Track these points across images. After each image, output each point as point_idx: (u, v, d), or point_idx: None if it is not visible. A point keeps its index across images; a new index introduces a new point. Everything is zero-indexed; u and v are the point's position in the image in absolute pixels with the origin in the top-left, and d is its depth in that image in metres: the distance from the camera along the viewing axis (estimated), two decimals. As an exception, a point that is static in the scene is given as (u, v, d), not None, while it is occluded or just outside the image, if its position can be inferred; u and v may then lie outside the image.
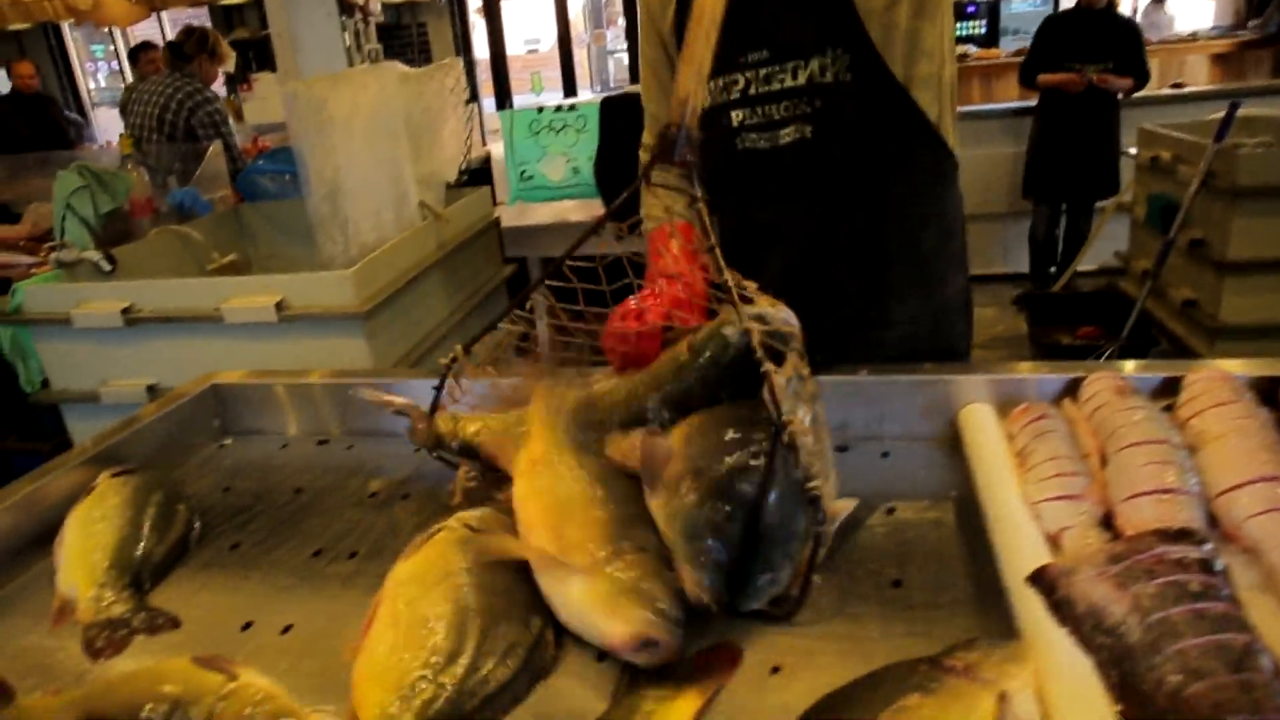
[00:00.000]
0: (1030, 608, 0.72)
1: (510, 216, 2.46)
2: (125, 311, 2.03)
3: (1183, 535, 0.74)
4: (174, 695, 0.65)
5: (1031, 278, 4.27)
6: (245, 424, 1.29)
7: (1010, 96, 5.34)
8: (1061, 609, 0.71)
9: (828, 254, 1.30)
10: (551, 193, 2.33)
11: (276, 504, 1.06)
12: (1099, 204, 3.95)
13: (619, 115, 2.15)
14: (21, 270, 2.50)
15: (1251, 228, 2.48)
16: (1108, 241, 3.85)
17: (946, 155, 1.29)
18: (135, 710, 0.64)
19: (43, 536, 0.99)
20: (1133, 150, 3.43)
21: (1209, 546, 0.72)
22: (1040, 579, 0.74)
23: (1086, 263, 4.02)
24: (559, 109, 2.24)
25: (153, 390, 2.11)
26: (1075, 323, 3.40)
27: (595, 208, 2.29)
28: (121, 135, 2.90)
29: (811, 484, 0.76)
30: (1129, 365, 1.05)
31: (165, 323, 2.04)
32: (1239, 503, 0.79)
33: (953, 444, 1.06)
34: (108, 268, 2.22)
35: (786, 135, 1.23)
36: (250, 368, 1.37)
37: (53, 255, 2.19)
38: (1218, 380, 0.95)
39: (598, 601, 0.71)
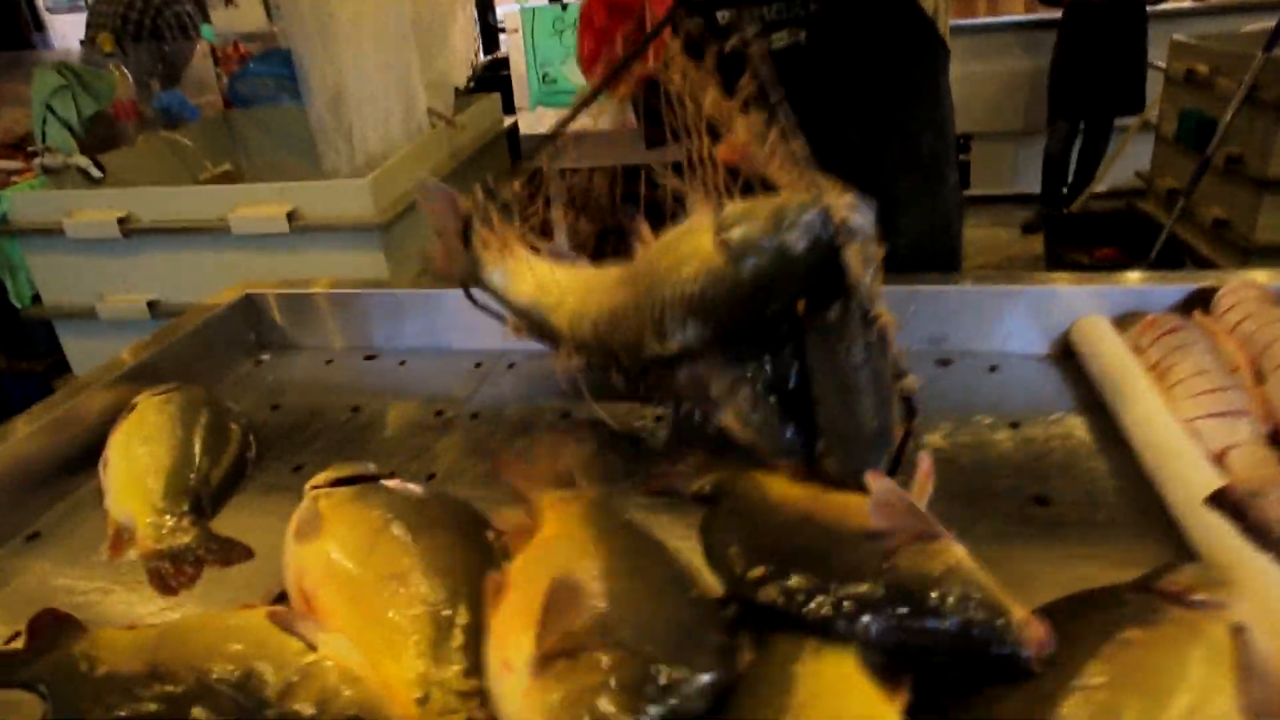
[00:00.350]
0: (1215, 532, 0.66)
1: (530, 123, 2.32)
2: (122, 221, 1.90)
3: (1380, 454, 0.67)
4: (246, 659, 0.56)
5: (1043, 199, 4.18)
6: (283, 338, 1.19)
7: (1016, 10, 5.16)
8: (1257, 534, 0.65)
9: (827, 169, 1.21)
10: (572, 98, 2.19)
11: (335, 423, 0.98)
12: (1119, 122, 3.85)
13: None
14: (2, 179, 2.33)
15: (1299, 143, 2.40)
16: (1124, 161, 3.76)
17: (941, 48, 1.22)
18: (204, 667, 0.56)
19: (78, 461, 0.90)
20: (1161, 64, 3.32)
21: None
22: (1223, 501, 0.68)
23: (1100, 184, 3.94)
24: (585, 3, 2.09)
25: (154, 306, 2.00)
26: (1092, 244, 3.33)
27: (626, 114, 2.16)
28: (102, 33, 2.70)
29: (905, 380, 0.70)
30: (1260, 275, 0.97)
31: (166, 234, 1.92)
32: None
33: (1064, 359, 0.99)
34: (97, 174, 2.07)
35: (779, 40, 1.13)
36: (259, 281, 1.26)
37: (36, 161, 2.03)
38: (1367, 289, 0.89)
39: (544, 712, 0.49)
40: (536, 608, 0.55)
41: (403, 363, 1.12)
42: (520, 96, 2.28)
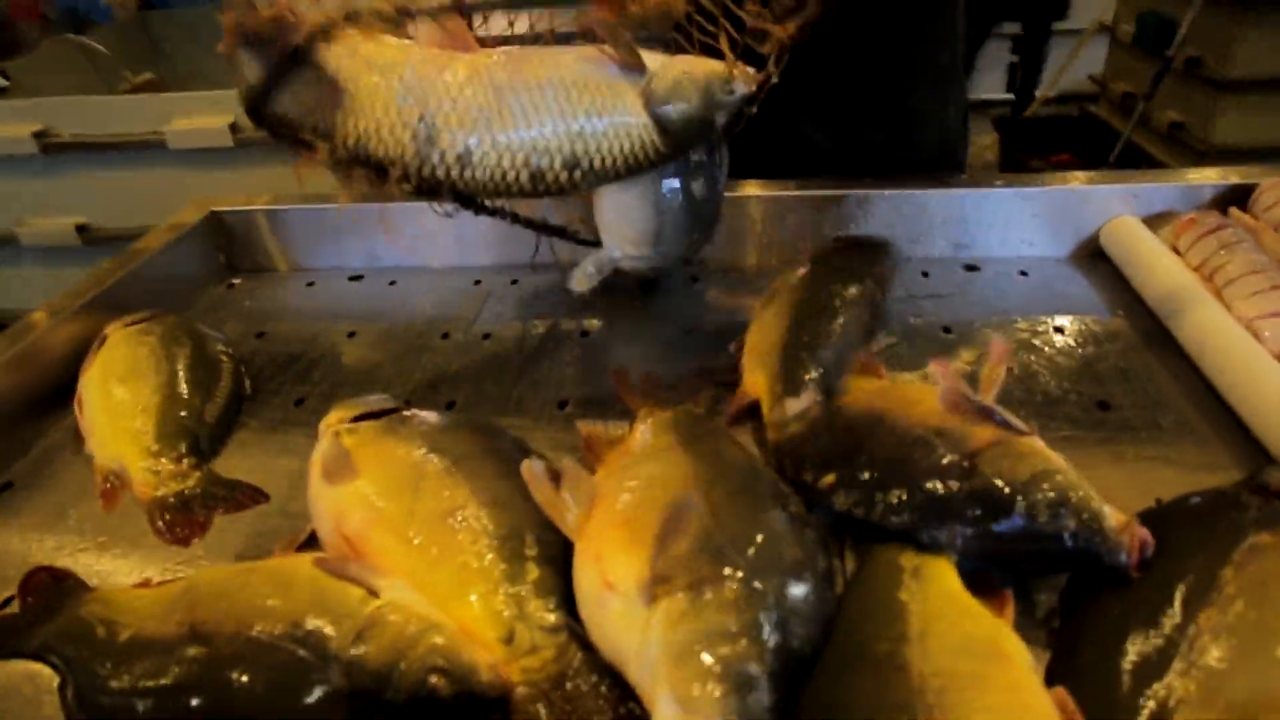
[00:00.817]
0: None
1: None
2: (39, 136, 1.73)
3: None
4: (303, 611, 0.50)
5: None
6: (255, 260, 1.10)
7: None
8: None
9: (845, 81, 1.15)
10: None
11: (331, 350, 0.90)
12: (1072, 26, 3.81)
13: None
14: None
15: (1260, 40, 2.41)
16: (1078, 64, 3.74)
17: None
18: (253, 623, 0.50)
19: (46, 402, 0.82)
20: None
21: None
22: (1301, 401, 0.66)
23: (1045, 88, 3.92)
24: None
25: (83, 230, 1.85)
26: (1047, 150, 3.33)
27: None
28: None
29: None
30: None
31: (91, 150, 1.76)
32: None
33: (1093, 260, 0.97)
34: (2, 83, 1.87)
35: None
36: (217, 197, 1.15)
37: (-68, 70, 1.83)
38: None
39: (659, 654, 0.44)
40: (637, 522, 0.51)
41: (392, 282, 1.04)
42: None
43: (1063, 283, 0.94)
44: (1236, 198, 0.95)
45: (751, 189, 1.02)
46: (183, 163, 1.73)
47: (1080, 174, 1.02)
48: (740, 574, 0.47)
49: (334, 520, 0.59)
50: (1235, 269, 0.81)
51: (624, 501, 0.54)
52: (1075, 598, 0.54)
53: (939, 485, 0.54)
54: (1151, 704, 0.45)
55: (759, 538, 0.51)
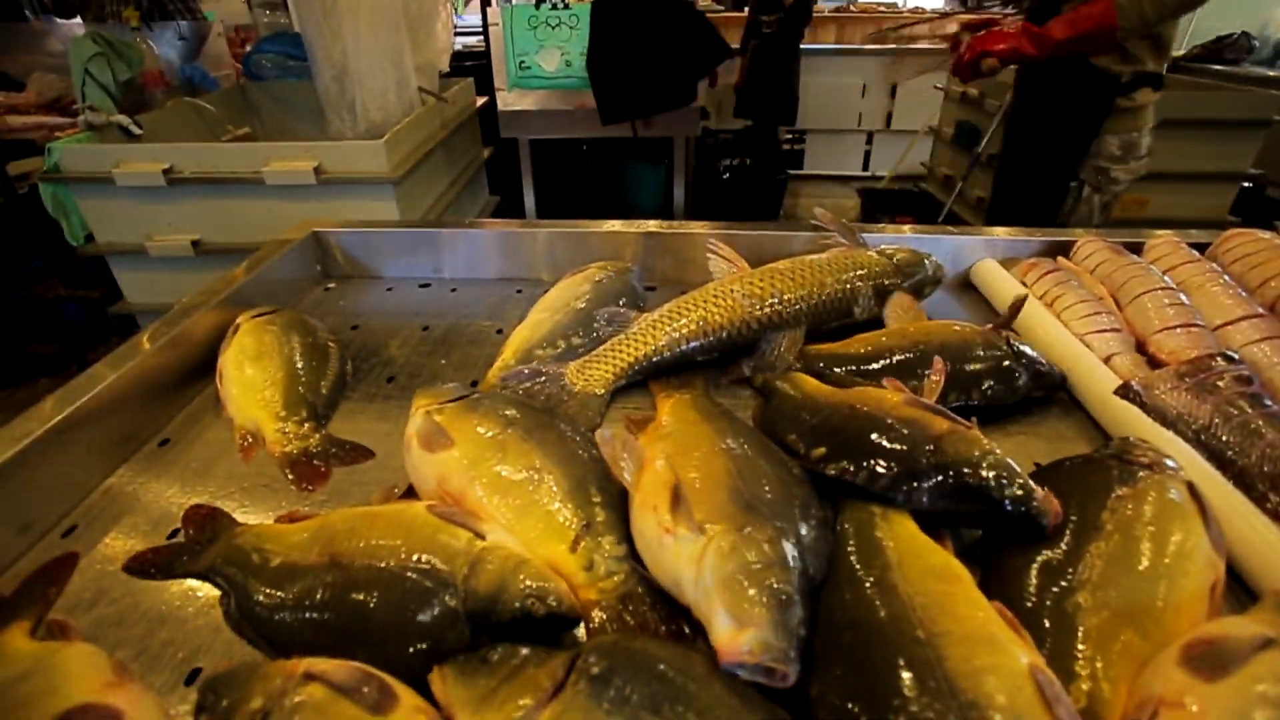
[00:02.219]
0: (1125, 415, 0.64)
1: (507, 101, 2.09)
2: (166, 172, 1.59)
3: (1228, 357, 0.67)
4: (424, 547, 0.45)
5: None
6: (344, 270, 1.02)
7: (856, 40, 4.79)
8: (1156, 414, 0.64)
9: None
10: (546, 82, 1.97)
11: (412, 340, 0.84)
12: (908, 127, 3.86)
13: (608, 15, 1.80)
14: (45, 133, 1.92)
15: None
16: (912, 154, 3.79)
17: None
18: (383, 556, 0.45)
19: (191, 375, 0.74)
20: (942, 85, 3.34)
21: (1244, 364, 0.66)
22: (1128, 393, 0.66)
23: (890, 170, 3.97)
24: (554, 6, 1.85)
25: (197, 245, 1.71)
26: (894, 212, 3.38)
27: (585, 96, 1.97)
28: (127, 8, 2.22)
29: None
30: (1093, 234, 0.96)
31: (205, 183, 1.62)
32: (1235, 335, 0.73)
33: (963, 289, 0.96)
34: (137, 131, 1.73)
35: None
36: (288, 225, 1.06)
37: (81, 118, 1.67)
38: (1173, 244, 0.89)
39: (711, 583, 0.41)
40: (683, 481, 0.47)
41: (454, 290, 0.97)
42: (499, 79, 2.04)
43: (945, 305, 0.92)
44: (1062, 250, 0.95)
45: (696, 228, 0.98)
46: (273, 195, 1.61)
47: (954, 228, 1.01)
48: (767, 521, 0.44)
49: (437, 480, 0.53)
50: (1068, 299, 0.81)
51: (666, 464, 0.50)
52: (993, 536, 0.52)
53: (912, 460, 0.51)
54: (1059, 611, 0.44)
55: (777, 493, 0.48)
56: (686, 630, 0.44)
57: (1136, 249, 0.89)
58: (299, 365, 0.71)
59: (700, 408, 0.60)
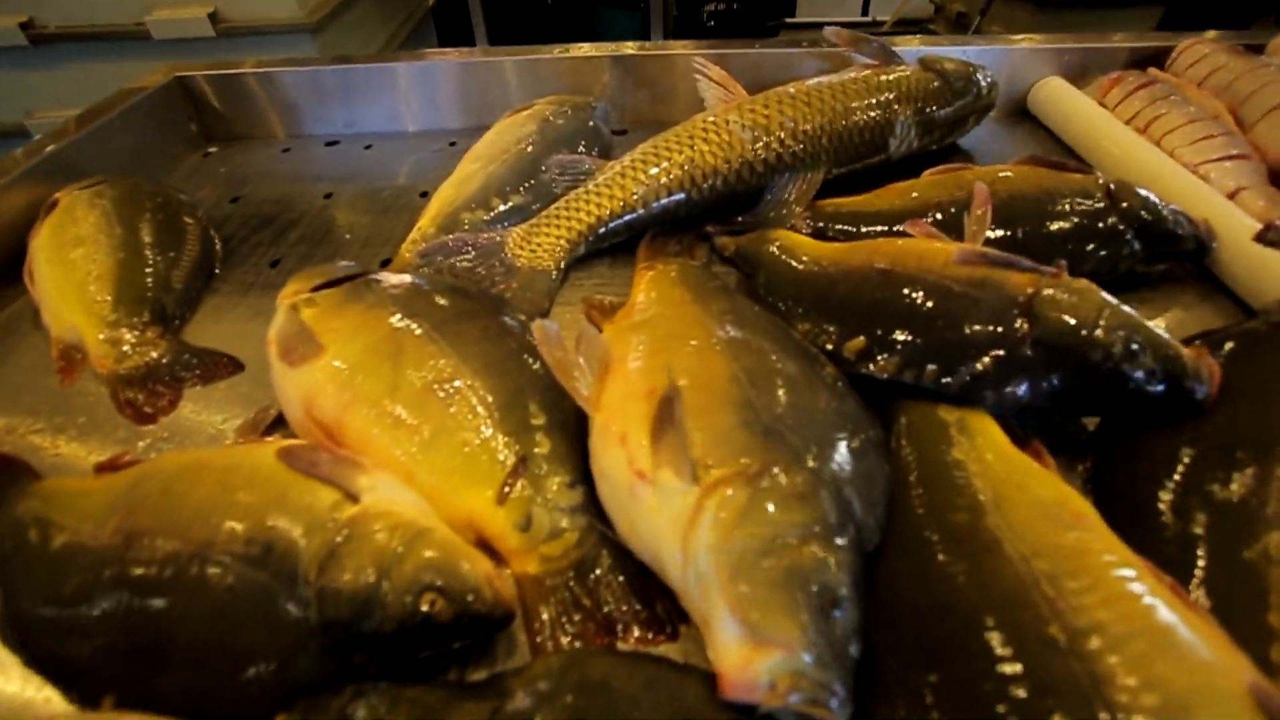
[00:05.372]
0: (1274, 269, 0.47)
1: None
2: (26, 27, 1.29)
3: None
4: (263, 518, 0.28)
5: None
6: (229, 129, 0.79)
7: None
8: (1315, 264, 0.46)
9: None
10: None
11: (308, 211, 0.64)
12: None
13: None
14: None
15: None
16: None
17: None
18: (200, 533, 0.28)
19: None
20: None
21: None
22: (1273, 236, 0.48)
23: (887, 15, 3.53)
24: None
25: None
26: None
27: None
28: None
29: None
30: (1210, 34, 0.74)
31: (79, 40, 1.33)
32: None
33: (1019, 116, 0.75)
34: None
35: None
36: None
37: (-95, -42, 1.33)
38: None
39: (708, 565, 0.26)
40: (664, 394, 0.30)
41: (368, 147, 0.75)
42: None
43: (997, 143, 0.72)
44: (1153, 61, 0.73)
45: (679, 48, 0.75)
46: (166, 53, 1.32)
47: (1012, 36, 0.78)
48: (797, 458, 0.28)
49: (303, 405, 0.36)
50: (1173, 120, 0.61)
51: (644, 367, 0.33)
52: (1110, 443, 0.37)
53: (1001, 339, 0.34)
54: (1241, 564, 0.29)
55: (809, 409, 0.31)
56: (668, 629, 0.29)
57: (1258, 51, 0.67)
58: (141, 249, 0.52)
59: (693, 283, 0.42)
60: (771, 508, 0.26)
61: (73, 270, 0.50)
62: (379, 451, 0.33)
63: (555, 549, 0.31)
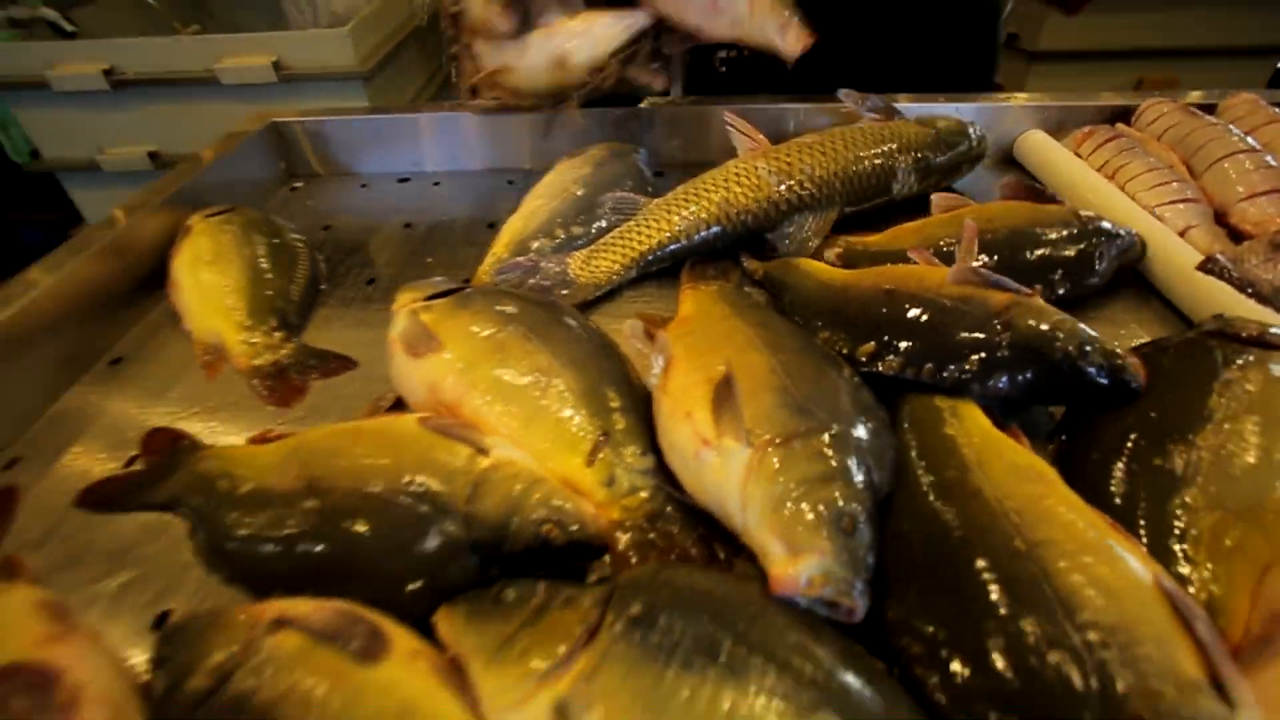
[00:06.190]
0: (1210, 293, 0.56)
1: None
2: (108, 73, 1.43)
3: (1327, 223, 0.58)
4: (417, 467, 0.37)
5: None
6: (310, 166, 0.90)
7: None
8: (1246, 288, 0.56)
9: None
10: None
11: (393, 239, 0.74)
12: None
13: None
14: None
15: (1060, 22, 2.27)
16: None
17: None
18: (369, 479, 0.37)
19: (144, 284, 0.64)
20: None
21: (1346, 232, 0.57)
22: (1214, 266, 0.57)
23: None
24: None
25: (155, 157, 1.57)
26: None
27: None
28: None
29: None
30: (1169, 95, 0.84)
31: (154, 85, 1.46)
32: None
33: (1007, 163, 0.86)
34: (69, 28, 1.54)
35: None
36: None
37: (3, 13, 1.48)
38: (1254, 102, 0.78)
39: (759, 505, 0.34)
40: (722, 380, 0.39)
41: (436, 184, 0.86)
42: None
43: (985, 184, 0.82)
44: (1120, 117, 0.84)
45: (709, 104, 0.86)
46: (234, 96, 1.45)
47: (996, 94, 0.89)
48: (824, 426, 0.37)
49: (428, 389, 0.46)
50: (1135, 168, 0.71)
51: (701, 362, 0.42)
52: (1074, 427, 0.45)
53: (984, 343, 0.43)
54: (1164, 514, 0.37)
55: (831, 393, 0.40)
56: (721, 556, 0.38)
57: (1210, 110, 0.78)
58: (264, 267, 0.62)
59: (731, 300, 0.51)
60: (805, 460, 0.35)
61: (212, 284, 0.60)
62: (492, 426, 0.42)
63: (633, 502, 0.40)
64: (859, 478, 0.35)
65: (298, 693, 0.29)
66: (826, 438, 0.36)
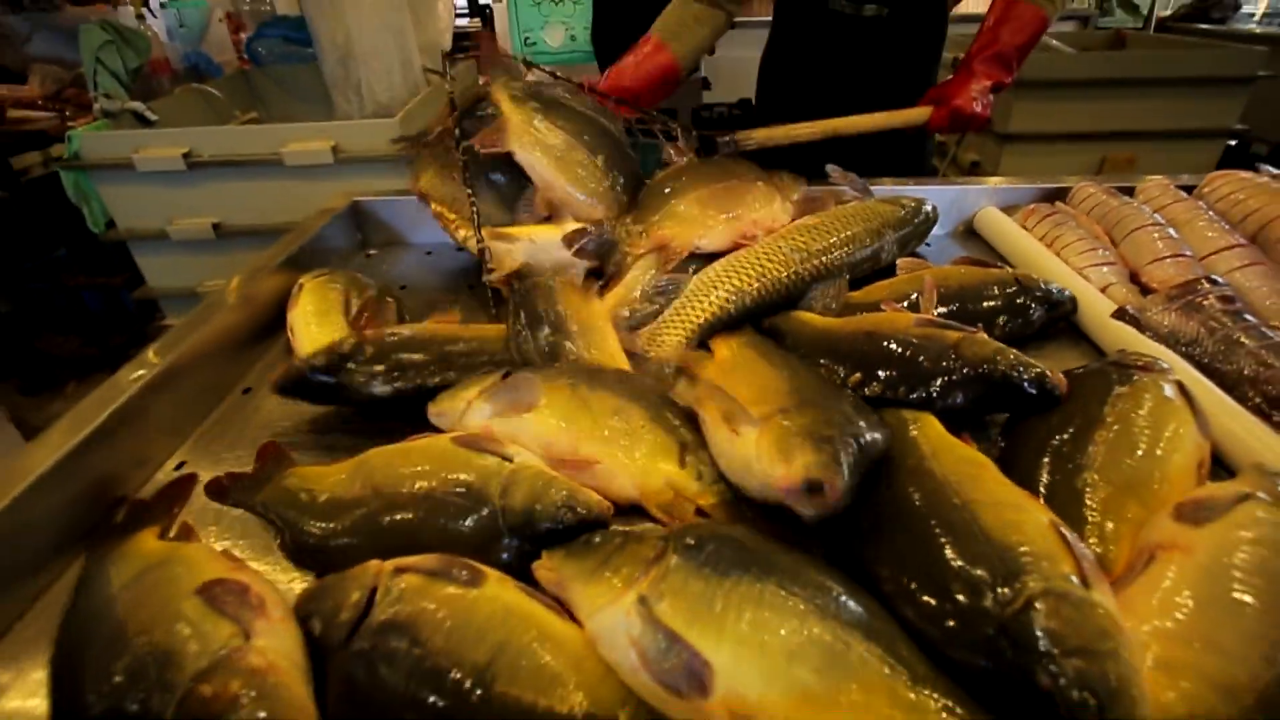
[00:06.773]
0: (1122, 336, 0.71)
1: (511, 80, 2.11)
2: (186, 156, 1.63)
3: (1212, 280, 0.73)
4: (458, 472, 0.49)
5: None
6: (383, 237, 1.07)
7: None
8: (1150, 333, 0.70)
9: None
10: (551, 57, 2.00)
11: (462, 297, 0.89)
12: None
13: (612, -10, 1.83)
14: (55, 123, 1.93)
15: (1027, 108, 2.51)
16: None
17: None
18: (420, 484, 0.50)
19: (264, 330, 0.79)
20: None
21: (1228, 286, 0.73)
22: (1124, 315, 0.72)
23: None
24: (557, -17, 1.88)
25: (217, 227, 1.75)
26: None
27: (591, 70, 2.00)
28: (129, -6, 2.23)
29: None
30: (1088, 182, 1.02)
31: (224, 166, 1.66)
32: (1219, 263, 0.79)
33: (966, 236, 1.02)
34: (152, 118, 1.75)
35: (869, 10, 1.08)
36: (306, 205, 1.11)
37: (96, 106, 1.69)
38: (1163, 185, 0.95)
39: (766, 447, 0.49)
40: (746, 399, 0.53)
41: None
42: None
43: (952, 251, 0.98)
44: (1058, 195, 1.01)
45: None
46: (292, 175, 1.65)
47: (956, 179, 1.07)
48: (826, 408, 0.51)
49: (542, 446, 0.56)
50: (1068, 239, 0.87)
51: (733, 392, 0.56)
52: (1011, 432, 0.59)
53: (942, 369, 0.58)
54: (1070, 488, 0.50)
55: (835, 399, 0.54)
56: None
57: (1129, 193, 0.95)
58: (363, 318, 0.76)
59: (756, 345, 0.66)
60: (798, 417, 0.49)
61: (320, 331, 0.74)
62: (601, 457, 0.54)
63: (718, 489, 0.52)
64: (849, 429, 0.48)
65: (429, 610, 0.41)
66: (821, 409, 0.50)
